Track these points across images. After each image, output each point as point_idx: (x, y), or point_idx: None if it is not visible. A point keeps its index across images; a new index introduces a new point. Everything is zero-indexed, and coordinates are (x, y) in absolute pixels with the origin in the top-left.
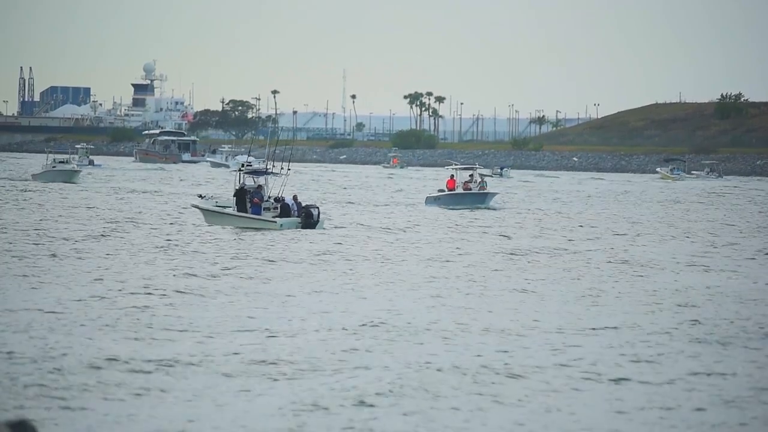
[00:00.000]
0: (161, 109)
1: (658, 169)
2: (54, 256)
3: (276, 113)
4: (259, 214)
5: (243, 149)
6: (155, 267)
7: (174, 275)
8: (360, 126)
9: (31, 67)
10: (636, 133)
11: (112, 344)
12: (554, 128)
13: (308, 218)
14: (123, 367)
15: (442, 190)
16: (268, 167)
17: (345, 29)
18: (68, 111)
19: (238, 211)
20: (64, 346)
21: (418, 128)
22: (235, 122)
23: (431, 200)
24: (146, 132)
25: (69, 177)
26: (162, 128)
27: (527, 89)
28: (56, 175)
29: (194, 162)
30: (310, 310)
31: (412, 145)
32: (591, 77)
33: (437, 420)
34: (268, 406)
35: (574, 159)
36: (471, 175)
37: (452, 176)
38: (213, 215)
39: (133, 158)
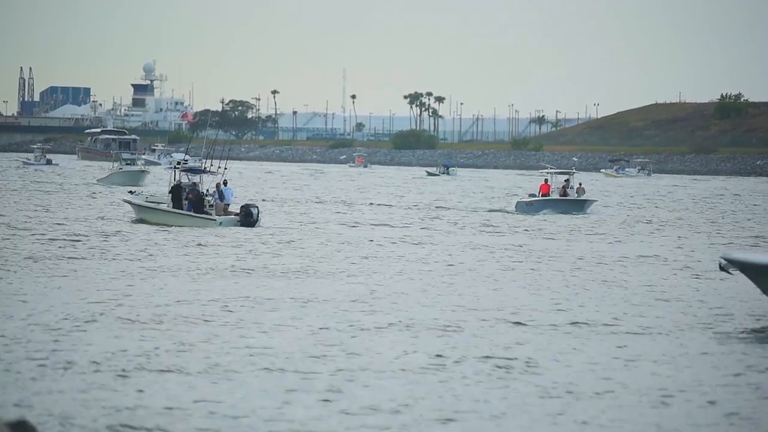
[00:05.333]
0: (161, 109)
1: (602, 170)
2: (63, 258)
3: (276, 113)
4: (196, 210)
5: (173, 147)
6: (157, 268)
7: (189, 278)
8: (360, 126)
9: (31, 67)
10: (636, 133)
11: (113, 344)
12: (554, 128)
13: (248, 217)
14: (123, 367)
15: (534, 195)
16: (204, 166)
17: (345, 29)
18: (68, 111)
19: (174, 207)
20: (65, 346)
21: (418, 128)
22: (234, 122)
23: (522, 206)
24: (88, 130)
25: (136, 179)
26: (104, 127)
27: (527, 89)
28: (122, 177)
29: None
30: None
31: (412, 145)
32: (591, 77)
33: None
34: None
35: (574, 159)
36: (567, 180)
37: (546, 180)
38: (145, 210)
39: (75, 156)
